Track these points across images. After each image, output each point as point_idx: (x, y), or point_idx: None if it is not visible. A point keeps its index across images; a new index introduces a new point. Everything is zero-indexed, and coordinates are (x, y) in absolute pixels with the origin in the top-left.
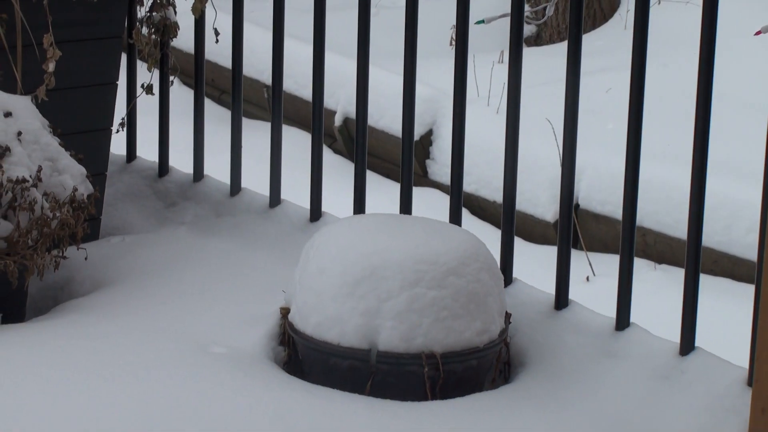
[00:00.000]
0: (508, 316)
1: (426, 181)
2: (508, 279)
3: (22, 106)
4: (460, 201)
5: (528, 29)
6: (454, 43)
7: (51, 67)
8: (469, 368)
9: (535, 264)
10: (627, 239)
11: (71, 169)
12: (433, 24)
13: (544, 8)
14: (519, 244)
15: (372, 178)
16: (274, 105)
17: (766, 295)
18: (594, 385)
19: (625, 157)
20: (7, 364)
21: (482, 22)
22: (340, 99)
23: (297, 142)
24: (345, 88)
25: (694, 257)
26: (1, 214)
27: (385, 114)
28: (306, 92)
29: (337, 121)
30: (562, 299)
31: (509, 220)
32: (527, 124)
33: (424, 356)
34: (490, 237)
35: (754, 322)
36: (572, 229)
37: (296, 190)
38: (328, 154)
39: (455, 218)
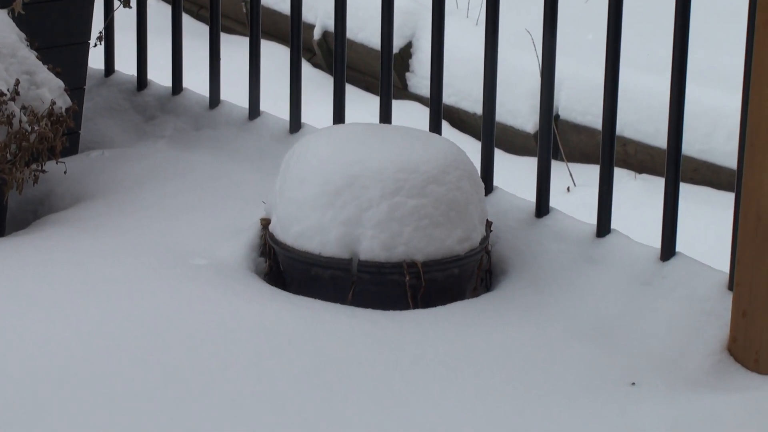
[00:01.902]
0: (489, 224)
1: (406, 94)
2: (489, 187)
3: None
4: (440, 110)
5: None
6: None
7: None
8: (451, 276)
9: (516, 175)
10: (607, 148)
11: (49, 82)
12: None
13: None
14: (500, 155)
15: (351, 92)
16: (252, 18)
17: (746, 200)
18: (576, 292)
19: (605, 67)
20: None
21: None
22: (318, 12)
23: (276, 56)
24: (323, 0)
25: (674, 165)
26: None
27: (364, 27)
28: (284, 6)
29: (316, 34)
30: (543, 207)
31: (489, 126)
32: (506, 34)
33: (405, 265)
34: (471, 149)
35: (734, 227)
36: (552, 139)
37: (276, 104)
38: (307, 68)
39: (435, 128)
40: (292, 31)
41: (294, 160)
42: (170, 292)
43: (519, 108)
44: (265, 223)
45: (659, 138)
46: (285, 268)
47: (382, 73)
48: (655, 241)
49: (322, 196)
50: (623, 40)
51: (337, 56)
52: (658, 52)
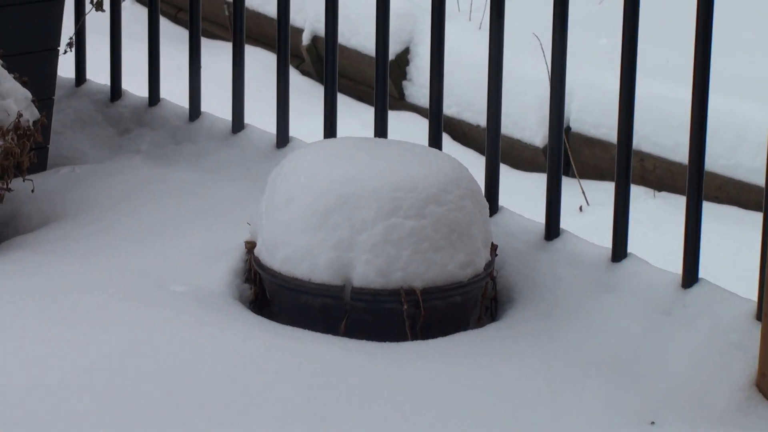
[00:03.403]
0: (494, 247)
1: (403, 104)
2: (494, 207)
3: None
4: (440, 123)
5: None
6: None
7: None
8: (453, 305)
9: (523, 193)
10: (623, 164)
11: (15, 92)
12: None
13: None
14: (505, 171)
15: (343, 102)
16: (236, 22)
17: None
18: (589, 322)
19: (620, 75)
20: None
21: None
22: (307, 16)
23: (261, 63)
24: (313, 3)
25: (696, 183)
26: None
27: (357, 31)
28: (270, 8)
29: (305, 39)
30: (553, 228)
31: (494, 142)
32: (512, 39)
33: (402, 292)
34: (474, 164)
35: (762, 251)
36: (563, 154)
37: (261, 115)
38: (295, 75)
39: (435, 142)
40: (279, 36)
41: (281, 177)
42: (146, 321)
43: (526, 119)
44: (250, 246)
45: (679, 152)
46: (272, 295)
47: (377, 82)
48: (676, 267)
49: (312, 217)
50: (640, 44)
51: (327, 63)
52: (678, 58)
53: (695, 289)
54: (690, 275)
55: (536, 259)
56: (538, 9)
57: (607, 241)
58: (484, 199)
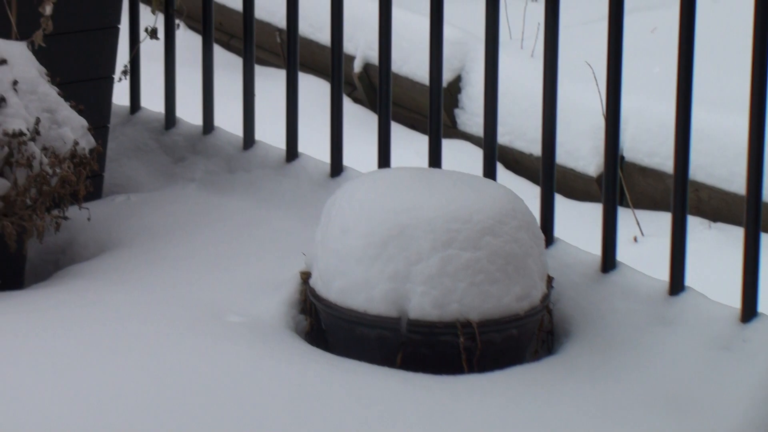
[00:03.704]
0: (550, 279)
1: (455, 132)
2: (549, 239)
3: (18, 53)
4: (494, 153)
5: None
6: None
7: (48, 9)
8: (509, 338)
9: (577, 222)
10: (679, 194)
11: (71, 121)
12: None
13: None
14: (558, 200)
15: (396, 130)
16: (290, 50)
17: None
18: (646, 356)
19: (675, 104)
20: (4, 335)
21: None
22: (359, 43)
23: (313, 90)
24: (365, 30)
25: (754, 214)
26: None
27: (408, 59)
28: (322, 36)
29: (357, 67)
30: (609, 261)
31: (549, 173)
32: (565, 67)
33: (459, 325)
34: (527, 192)
35: None
36: (618, 184)
37: (314, 144)
38: (347, 103)
39: (489, 172)
40: (333, 64)
41: (336, 207)
42: (202, 352)
43: (579, 148)
44: (306, 276)
45: (735, 182)
46: (327, 326)
47: (431, 111)
48: (735, 300)
49: (368, 248)
50: (695, 73)
51: (381, 93)
52: (734, 87)
53: (755, 324)
54: (749, 309)
55: (592, 291)
56: (590, 37)
57: (662, 273)
58: (540, 231)
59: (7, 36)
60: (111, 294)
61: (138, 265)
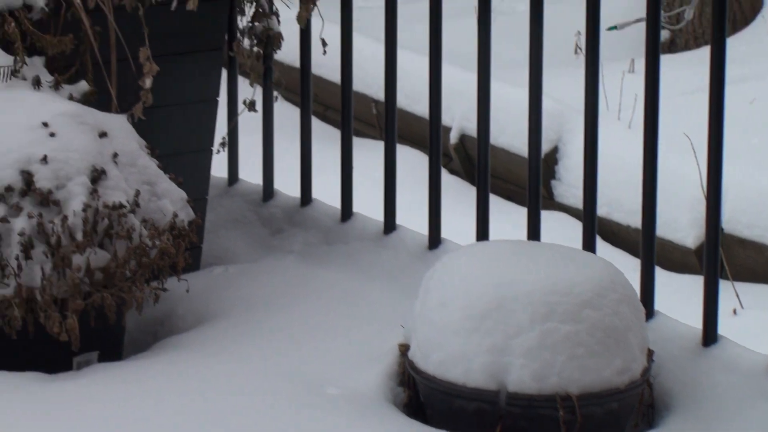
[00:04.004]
0: (650, 353)
1: (552, 204)
2: (650, 312)
3: (118, 126)
4: (594, 225)
5: (661, 35)
6: (579, 51)
7: (148, 83)
8: (609, 411)
9: (675, 295)
10: None
11: (171, 193)
12: (555, 30)
13: (680, 13)
14: (657, 272)
15: (492, 201)
16: (388, 122)
17: None
18: (748, 431)
19: None
20: (103, 405)
21: (614, 28)
22: (455, 114)
23: (409, 161)
24: (461, 102)
25: None
26: (97, 242)
27: (505, 130)
28: (418, 107)
29: (453, 138)
30: (710, 334)
31: (649, 245)
32: (662, 138)
33: (558, 398)
34: (625, 265)
35: None
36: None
37: (412, 215)
38: (444, 174)
39: (589, 245)
40: (431, 136)
41: (435, 280)
42: (299, 425)
43: (678, 219)
44: (404, 349)
45: None
46: (426, 399)
47: (530, 185)
48: None
49: (466, 321)
50: None
51: (480, 164)
52: None
53: None
54: None
55: (693, 365)
56: (688, 108)
57: (764, 347)
58: (640, 304)
59: (107, 109)
60: (209, 365)
61: (235, 337)
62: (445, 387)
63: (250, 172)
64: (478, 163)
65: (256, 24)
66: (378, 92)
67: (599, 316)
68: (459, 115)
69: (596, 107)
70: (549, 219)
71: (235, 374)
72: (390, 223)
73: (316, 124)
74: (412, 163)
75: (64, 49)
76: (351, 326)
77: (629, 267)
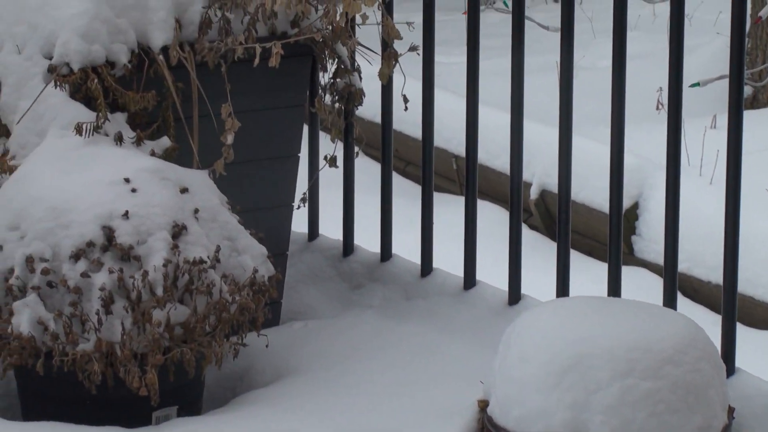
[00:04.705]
0: (731, 410)
1: (632, 259)
2: (731, 369)
3: (199, 182)
4: (675, 281)
5: (744, 91)
6: (661, 106)
7: (229, 139)
8: None
9: (757, 351)
10: None
11: (251, 249)
12: (637, 86)
13: (763, 69)
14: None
15: (572, 256)
16: (468, 178)
17: None
18: None
19: None
20: None
21: (697, 84)
22: (535, 170)
23: (489, 217)
24: (542, 157)
25: None
26: (178, 297)
27: (585, 185)
28: (498, 162)
29: (533, 194)
30: None
31: (731, 302)
32: (744, 194)
33: None
34: (706, 320)
35: None
36: None
37: (490, 270)
38: (524, 230)
39: (670, 301)
40: (512, 192)
41: (515, 335)
42: None
43: (759, 275)
44: (483, 405)
45: None
46: None
47: (611, 240)
48: None
49: (547, 377)
50: None
51: (561, 220)
52: None
53: None
54: None
55: None
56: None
57: None
58: (721, 361)
59: (188, 164)
60: (287, 421)
61: (314, 392)
62: None
63: (331, 227)
64: (558, 218)
65: (338, 80)
66: (458, 147)
67: (680, 372)
68: (539, 171)
69: (678, 162)
70: (629, 274)
71: (312, 429)
72: (470, 279)
73: (397, 179)
74: (492, 218)
75: (147, 106)
76: (430, 381)
77: (710, 322)
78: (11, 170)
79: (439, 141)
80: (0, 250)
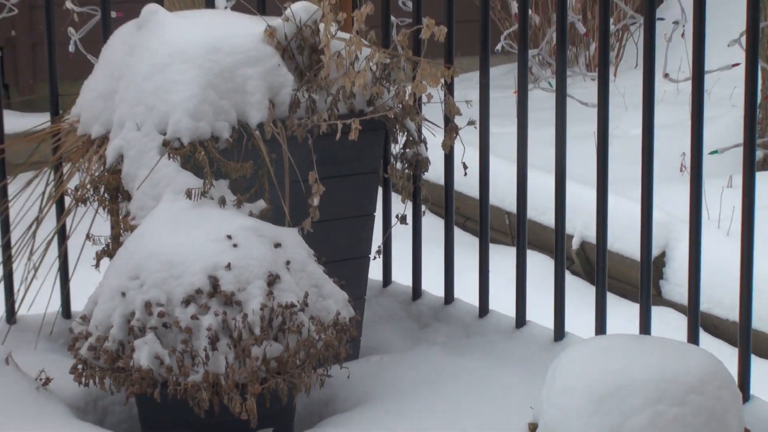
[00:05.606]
0: None
1: (660, 300)
2: (746, 396)
3: (290, 238)
4: (698, 320)
5: (757, 155)
6: (684, 168)
7: (316, 201)
8: None
9: None
10: None
11: (335, 294)
12: (663, 151)
13: None
14: (754, 360)
15: (608, 298)
16: (519, 231)
17: None
18: None
19: None
20: None
21: (716, 152)
22: (576, 224)
23: (537, 264)
24: (582, 213)
25: None
26: (272, 336)
27: (619, 237)
28: (545, 218)
29: (575, 244)
30: None
31: (746, 337)
32: (757, 244)
33: None
34: (725, 353)
35: None
36: None
37: (539, 311)
38: (567, 276)
39: (693, 336)
40: (556, 245)
41: (560, 368)
42: None
43: None
44: (533, 427)
45: None
46: None
47: (642, 284)
48: None
49: (588, 404)
50: None
51: (599, 267)
52: None
53: None
54: None
55: None
56: None
57: None
58: (738, 389)
59: (281, 223)
60: None
61: (387, 417)
62: None
63: (402, 275)
64: (597, 265)
65: (407, 150)
66: (510, 205)
67: (702, 400)
68: (580, 225)
69: (700, 217)
70: (658, 314)
71: None
72: (521, 319)
73: (458, 233)
74: (540, 265)
75: (245, 173)
76: (487, 407)
77: (728, 355)
78: (132, 229)
79: (494, 200)
80: (123, 296)
